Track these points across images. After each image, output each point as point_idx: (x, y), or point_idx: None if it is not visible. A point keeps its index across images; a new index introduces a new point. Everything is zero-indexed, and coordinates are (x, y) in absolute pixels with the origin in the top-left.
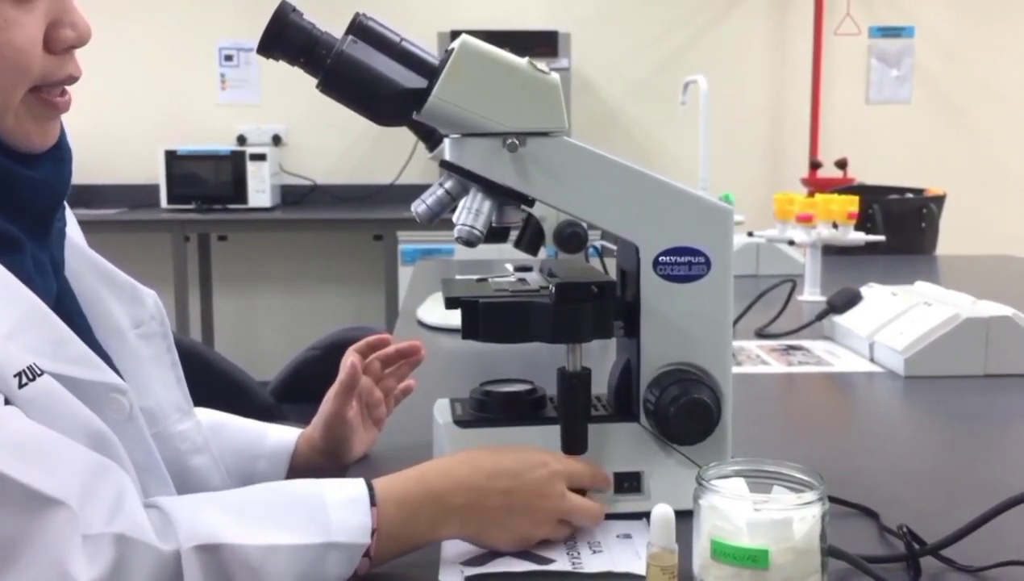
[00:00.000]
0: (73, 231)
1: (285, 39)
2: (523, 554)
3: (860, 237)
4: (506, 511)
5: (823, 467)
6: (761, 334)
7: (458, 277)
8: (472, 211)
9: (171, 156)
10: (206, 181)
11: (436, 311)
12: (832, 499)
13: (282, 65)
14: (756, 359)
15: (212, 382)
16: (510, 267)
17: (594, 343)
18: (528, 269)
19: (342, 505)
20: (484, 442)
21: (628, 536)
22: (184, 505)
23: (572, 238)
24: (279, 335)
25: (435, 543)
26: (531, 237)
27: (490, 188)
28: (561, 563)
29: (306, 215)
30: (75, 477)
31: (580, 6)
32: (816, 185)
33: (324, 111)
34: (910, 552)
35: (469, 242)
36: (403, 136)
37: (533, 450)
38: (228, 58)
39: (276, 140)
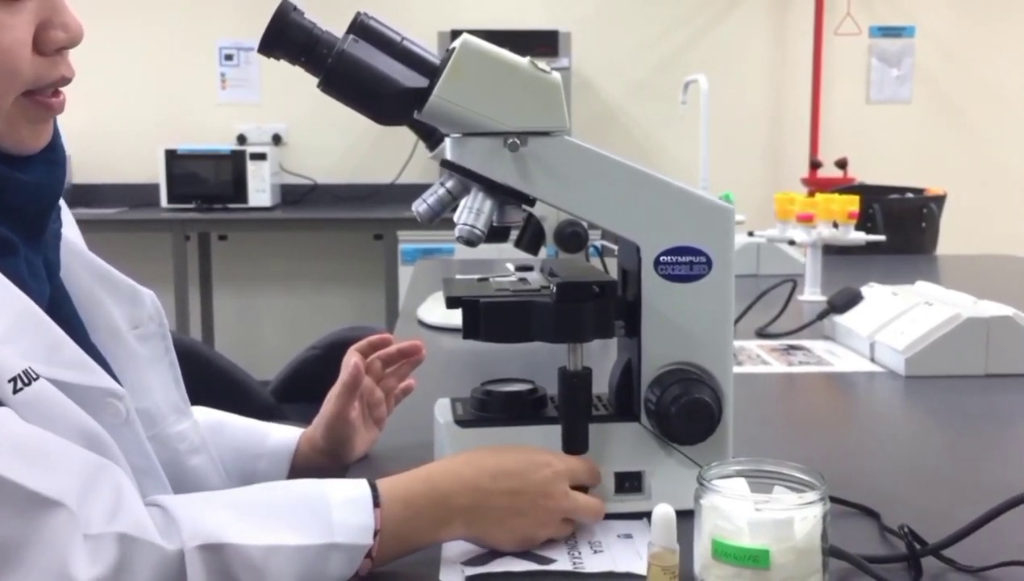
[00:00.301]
0: (70, 231)
1: (286, 38)
2: (524, 554)
3: (860, 237)
4: (510, 512)
5: (824, 467)
6: (762, 334)
7: (459, 277)
8: (473, 210)
9: (171, 155)
10: (206, 180)
11: (436, 311)
12: (833, 499)
13: (282, 64)
14: (757, 359)
15: (212, 382)
16: (511, 267)
17: (595, 343)
18: (529, 269)
19: (345, 505)
20: (485, 442)
21: (629, 536)
22: (186, 504)
23: (573, 238)
24: (279, 335)
25: (437, 543)
26: (532, 237)
27: (491, 187)
28: (562, 563)
29: (306, 214)
30: (73, 477)
31: (580, 6)
32: (816, 185)
33: (324, 110)
34: (911, 552)
35: (470, 242)
36: (403, 136)
37: (536, 450)
38: (228, 57)
39: (276, 139)
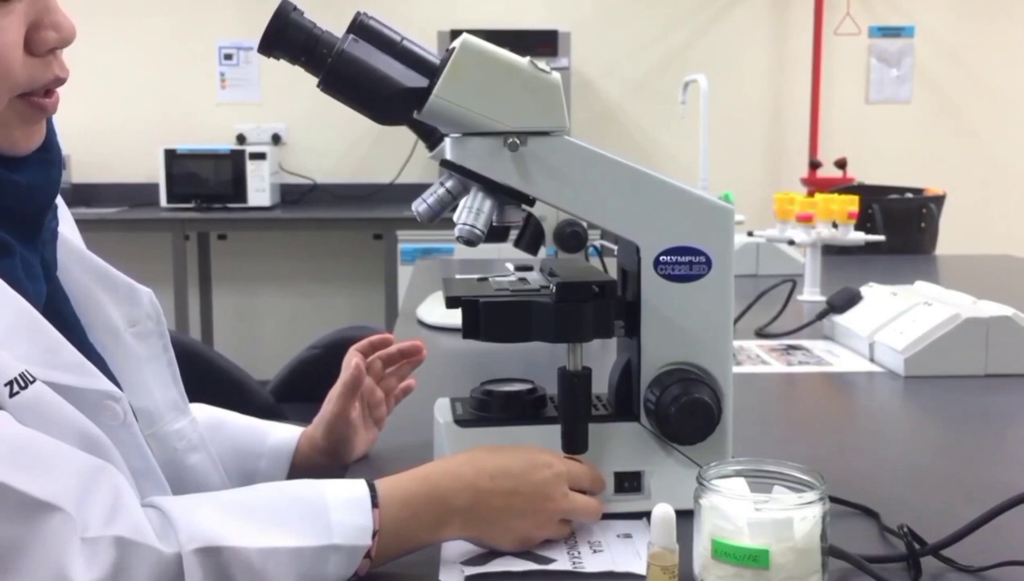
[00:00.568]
0: (68, 230)
1: (286, 38)
2: (524, 553)
3: (860, 237)
4: (509, 512)
5: (823, 467)
6: (761, 334)
7: (458, 276)
8: (473, 210)
9: (171, 155)
10: (206, 180)
11: (436, 310)
12: (833, 499)
13: (282, 64)
14: (756, 359)
15: (212, 381)
16: (510, 266)
17: (594, 342)
18: (528, 268)
19: (343, 506)
20: (485, 442)
21: (629, 536)
22: (183, 506)
23: (572, 237)
24: (279, 334)
25: (436, 543)
26: (531, 236)
27: (491, 187)
28: (562, 562)
29: (306, 214)
30: (70, 480)
31: (580, 5)
32: (816, 185)
33: (324, 110)
34: (911, 552)
35: (470, 241)
36: (403, 135)
37: (536, 450)
38: (228, 57)
39: (276, 139)
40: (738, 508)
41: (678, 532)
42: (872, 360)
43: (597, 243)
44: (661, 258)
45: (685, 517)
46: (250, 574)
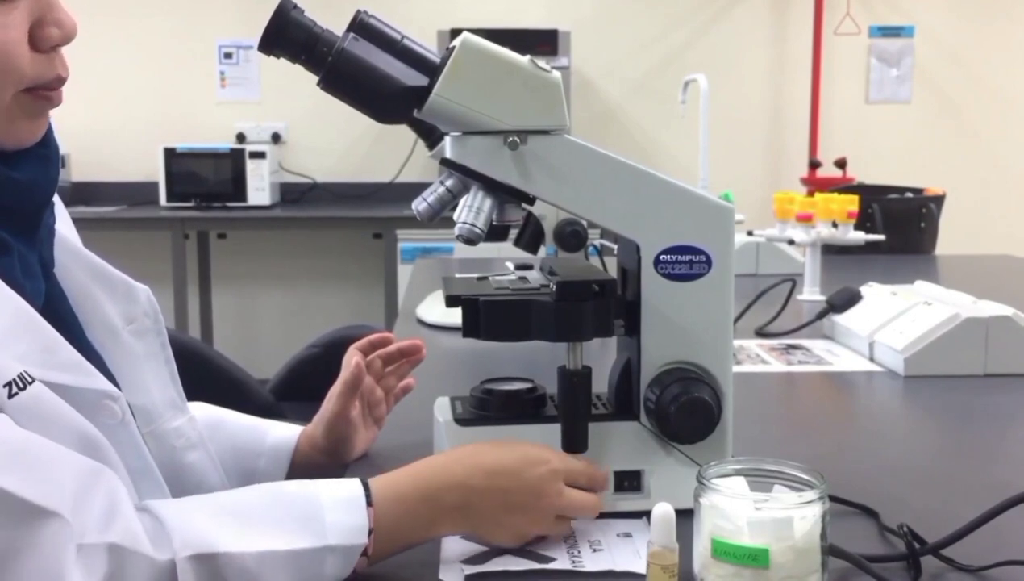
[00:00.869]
0: (65, 228)
1: (286, 36)
2: (523, 553)
3: (860, 236)
4: (503, 509)
5: (823, 466)
6: (761, 333)
7: (458, 275)
8: (473, 209)
9: (170, 154)
10: (205, 179)
11: (436, 309)
12: (833, 498)
13: (282, 63)
14: (756, 358)
15: (211, 380)
16: (510, 265)
17: (594, 341)
18: (528, 267)
19: (338, 506)
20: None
21: (628, 535)
22: (178, 511)
23: (572, 237)
24: (278, 333)
25: (435, 541)
26: (531, 235)
27: (491, 186)
28: (561, 562)
29: (306, 213)
30: (67, 485)
31: (580, 5)
32: (816, 184)
33: (324, 109)
34: (911, 551)
35: (470, 240)
36: (403, 134)
37: (533, 446)
38: (228, 56)
39: (276, 138)
40: (738, 507)
41: (678, 531)
42: (872, 360)
43: (597, 242)
44: (661, 257)
45: (685, 516)
46: (246, 578)
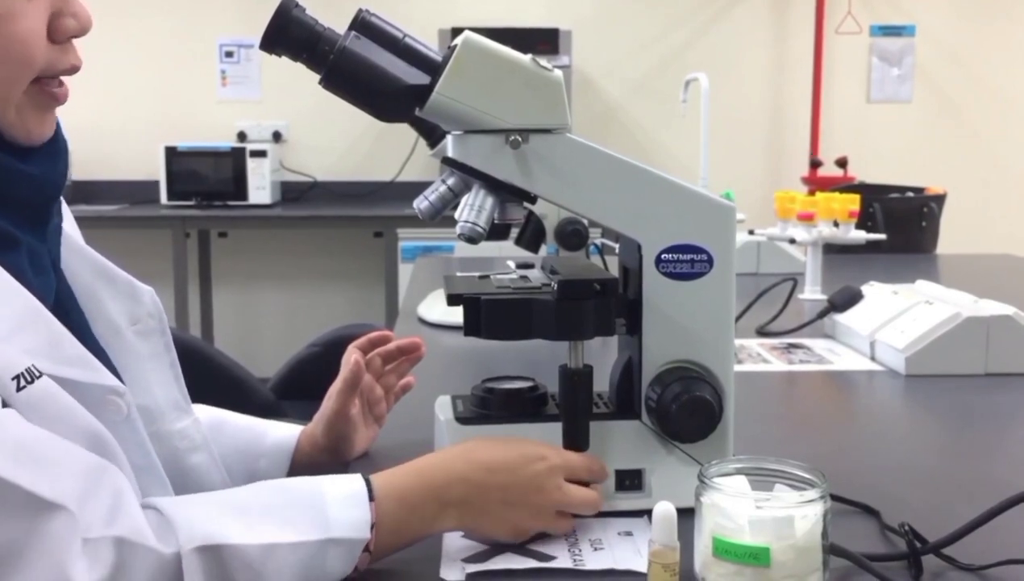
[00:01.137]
0: (69, 226)
1: (288, 35)
2: (525, 551)
3: (861, 236)
4: (503, 504)
5: (824, 465)
6: (762, 332)
7: (460, 274)
8: (474, 208)
9: (171, 152)
10: (206, 177)
11: (437, 308)
12: (834, 497)
13: (283, 61)
14: (757, 357)
15: (212, 379)
16: (512, 264)
17: (596, 340)
18: (530, 266)
19: (341, 501)
20: None
21: (629, 533)
22: (182, 505)
23: (573, 235)
24: (279, 332)
25: (435, 537)
26: (532, 234)
27: (492, 185)
28: (563, 560)
29: (306, 212)
30: (74, 480)
31: (581, 4)
32: (817, 183)
33: (325, 108)
34: (912, 550)
35: (471, 239)
36: (404, 133)
37: (532, 443)
38: (229, 54)
39: (276, 137)
40: (739, 506)
41: (679, 530)
42: (873, 359)
43: (598, 241)
44: (663, 256)
45: (686, 515)
46: (250, 571)
